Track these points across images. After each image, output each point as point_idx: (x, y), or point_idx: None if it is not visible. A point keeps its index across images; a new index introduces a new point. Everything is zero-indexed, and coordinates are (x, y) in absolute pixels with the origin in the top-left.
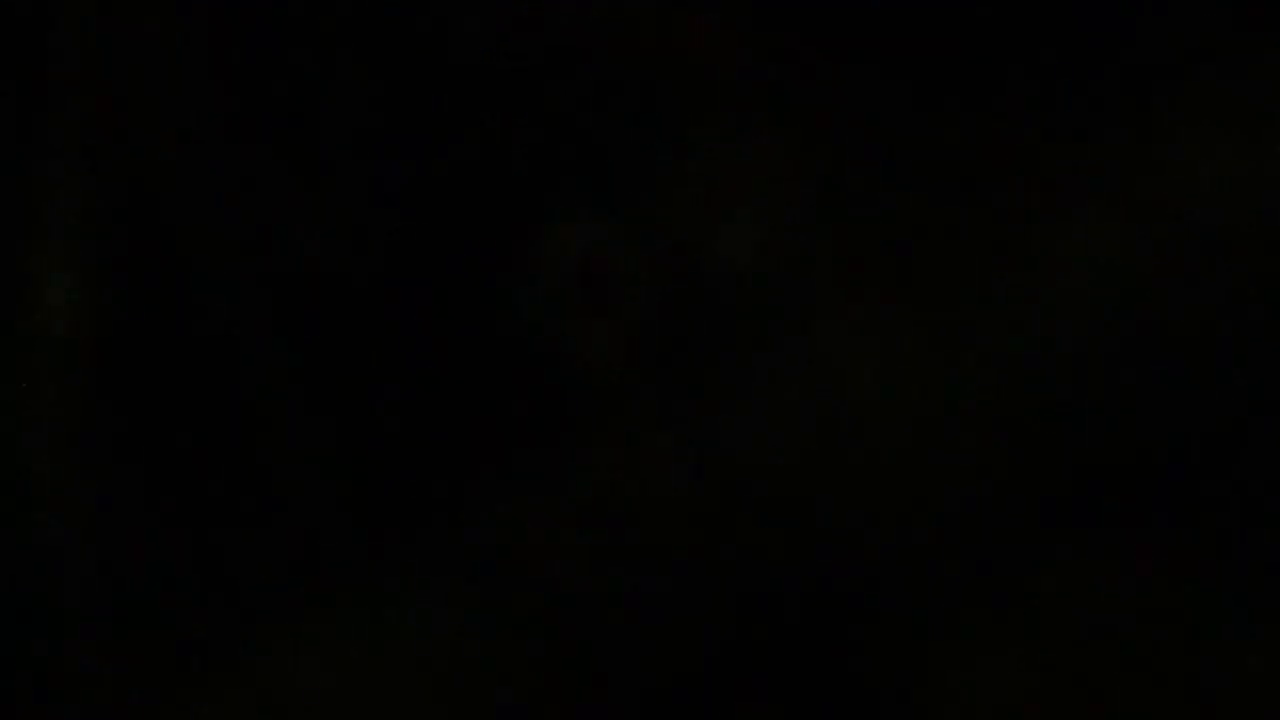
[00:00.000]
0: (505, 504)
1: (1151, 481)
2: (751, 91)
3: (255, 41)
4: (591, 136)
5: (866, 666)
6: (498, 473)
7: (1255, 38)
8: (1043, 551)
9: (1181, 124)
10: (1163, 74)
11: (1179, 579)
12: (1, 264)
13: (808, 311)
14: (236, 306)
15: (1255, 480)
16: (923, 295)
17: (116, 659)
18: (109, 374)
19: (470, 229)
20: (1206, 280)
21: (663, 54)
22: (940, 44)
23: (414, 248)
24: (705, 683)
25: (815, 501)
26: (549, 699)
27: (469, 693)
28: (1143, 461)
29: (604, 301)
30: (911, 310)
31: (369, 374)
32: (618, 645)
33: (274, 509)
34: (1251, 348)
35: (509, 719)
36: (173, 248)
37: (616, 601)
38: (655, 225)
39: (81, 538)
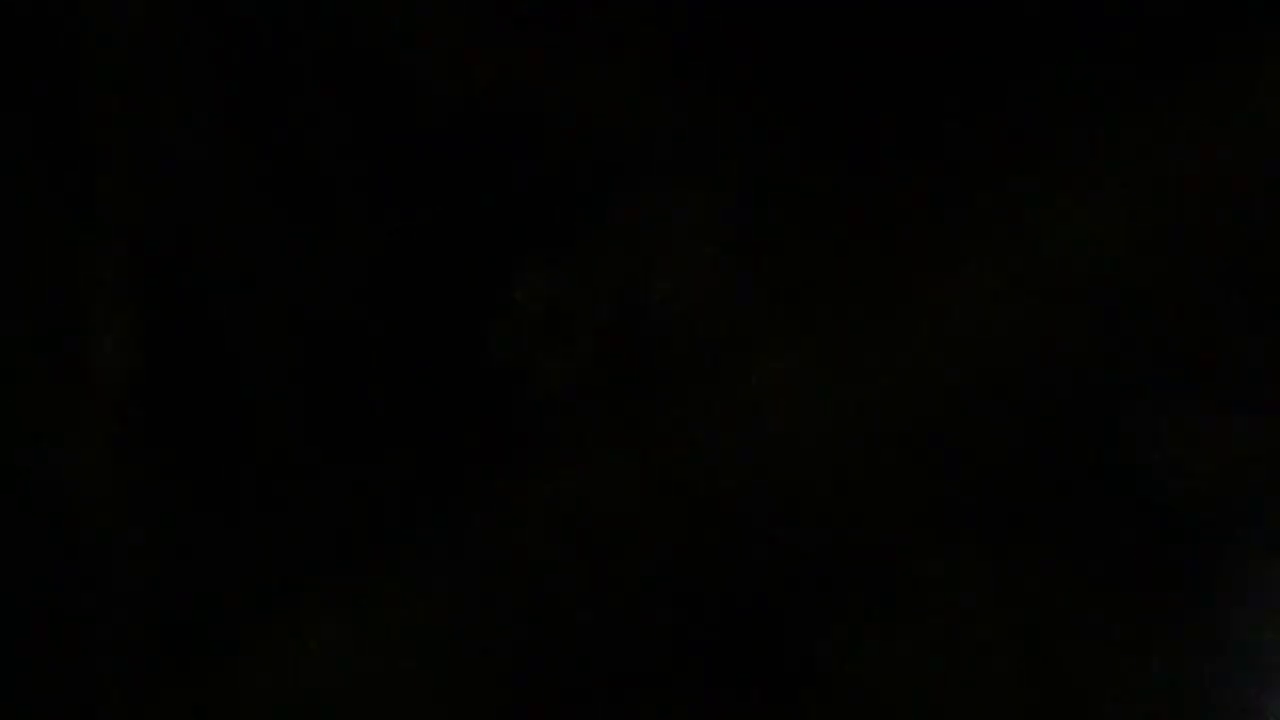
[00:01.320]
0: (479, 504)
1: (1019, 488)
2: (683, 163)
3: (270, 135)
4: (551, 202)
5: (788, 639)
6: (473, 479)
7: (1124, 104)
8: (932, 543)
9: (1055, 182)
10: (1039, 138)
11: (1043, 569)
12: (63, 321)
13: (734, 345)
14: (257, 349)
15: (1107, 487)
16: (829, 331)
17: (156, 631)
18: (151, 408)
19: (453, 280)
20: (1064, 321)
21: (609, 133)
22: (847, 117)
23: (407, 296)
24: (655, 655)
25: (741, 503)
26: (523, 670)
27: (458, 662)
28: (1013, 471)
29: (562, 337)
30: (820, 343)
31: (369, 400)
32: (579, 624)
33: (288, 512)
34: (1104, 378)
35: (489, 685)
36: (201, 303)
37: (574, 583)
38: (604, 274)
39: (128, 534)
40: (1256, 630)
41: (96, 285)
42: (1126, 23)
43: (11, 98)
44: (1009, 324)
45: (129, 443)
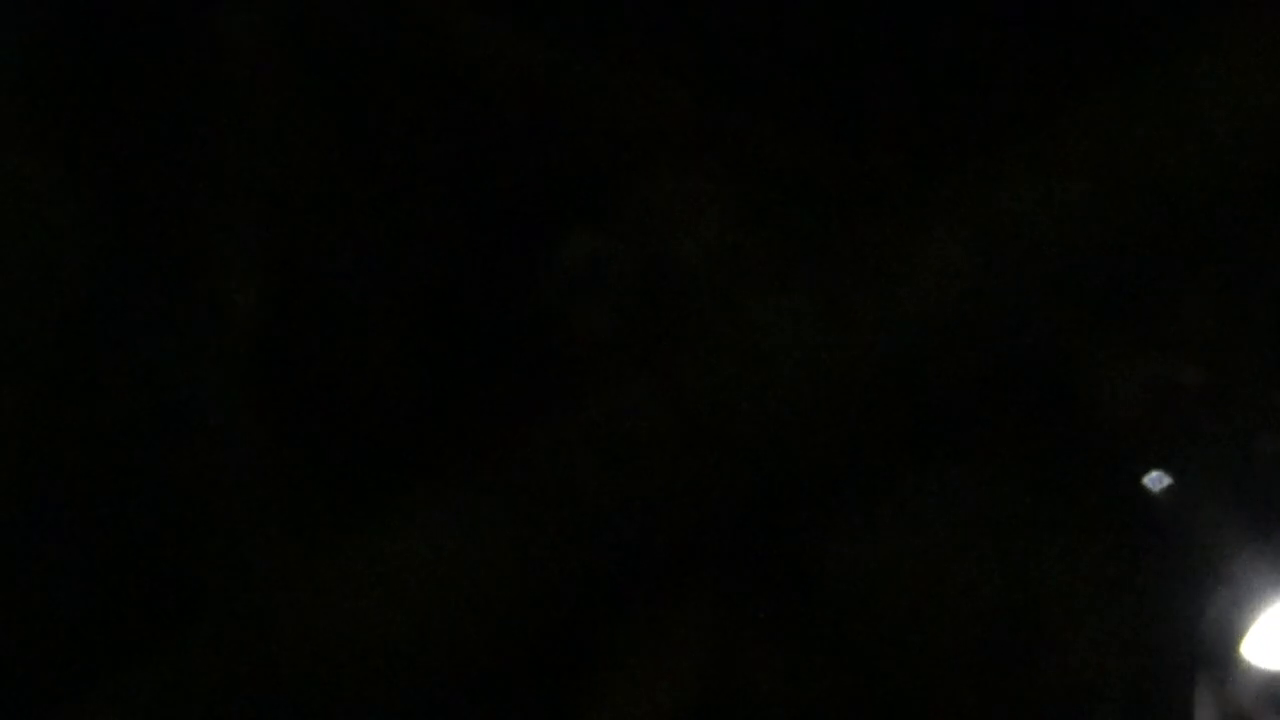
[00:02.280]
0: (531, 424)
1: (984, 415)
2: (699, 146)
3: (368, 130)
4: (591, 179)
5: (789, 542)
6: (526, 404)
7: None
8: (904, 464)
9: (1012, 162)
10: (1000, 126)
11: (1007, 483)
12: (207, 289)
13: (741, 295)
14: (360, 297)
15: (1058, 414)
16: (821, 284)
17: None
18: (278, 360)
19: (513, 241)
20: (1021, 276)
21: (639, 123)
22: (838, 108)
23: (477, 255)
24: (676, 556)
25: (749, 426)
26: (563, 563)
27: (512, 550)
28: (979, 400)
29: (599, 288)
30: (813, 294)
31: (446, 339)
32: (611, 527)
33: (382, 427)
34: (1055, 323)
35: (537, 573)
36: (317, 261)
37: (607, 493)
38: (633, 236)
39: (257, 453)
40: (1184, 531)
41: (238, 247)
42: (1077, 24)
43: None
44: (974, 278)
45: (260, 372)
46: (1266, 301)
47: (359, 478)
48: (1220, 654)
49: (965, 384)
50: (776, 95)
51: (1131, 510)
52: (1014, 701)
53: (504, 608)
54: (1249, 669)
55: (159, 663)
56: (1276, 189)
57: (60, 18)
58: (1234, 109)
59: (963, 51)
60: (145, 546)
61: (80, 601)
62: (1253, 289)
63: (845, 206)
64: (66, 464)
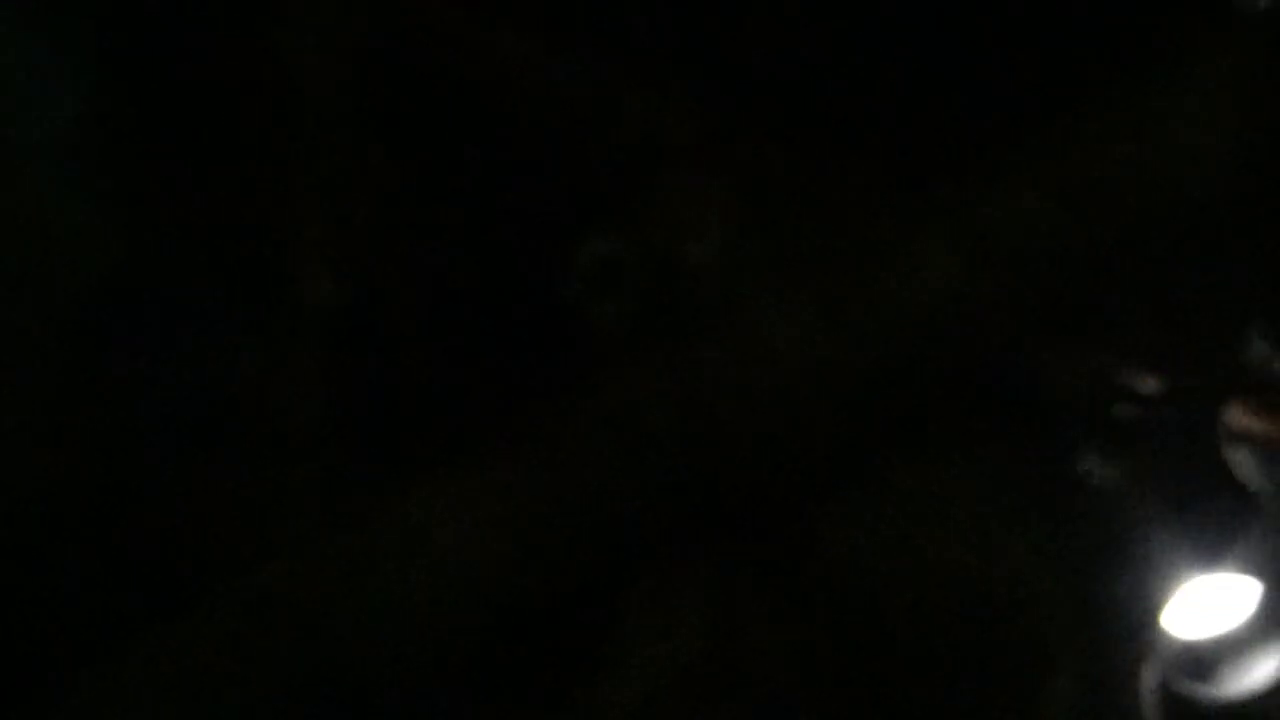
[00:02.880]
0: (551, 411)
1: (960, 404)
2: (708, 157)
3: (414, 142)
4: (608, 186)
5: (791, 518)
6: (547, 392)
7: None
8: (891, 451)
9: (992, 177)
10: (980, 143)
11: (979, 461)
12: (287, 276)
13: (745, 293)
14: (405, 302)
15: (1019, 402)
16: (820, 284)
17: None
18: (353, 338)
19: (537, 243)
20: (993, 281)
21: (654, 136)
22: (837, 124)
23: (505, 256)
24: (686, 531)
25: (753, 412)
26: (578, 537)
27: (532, 522)
28: (956, 390)
29: (615, 287)
30: (812, 293)
31: (480, 330)
32: (624, 504)
33: (413, 411)
34: (1019, 324)
35: (554, 543)
36: (388, 265)
37: (620, 473)
38: (647, 239)
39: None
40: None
41: (313, 243)
42: (1054, 55)
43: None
44: (959, 283)
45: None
46: (1216, 315)
47: (399, 452)
48: (1141, 625)
49: (947, 381)
50: (781, 114)
51: (1086, 498)
52: (982, 665)
53: (526, 573)
54: (1168, 639)
55: (202, 623)
56: (1235, 207)
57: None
58: (1197, 133)
59: (954, 79)
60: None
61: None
62: (1205, 302)
63: (843, 216)
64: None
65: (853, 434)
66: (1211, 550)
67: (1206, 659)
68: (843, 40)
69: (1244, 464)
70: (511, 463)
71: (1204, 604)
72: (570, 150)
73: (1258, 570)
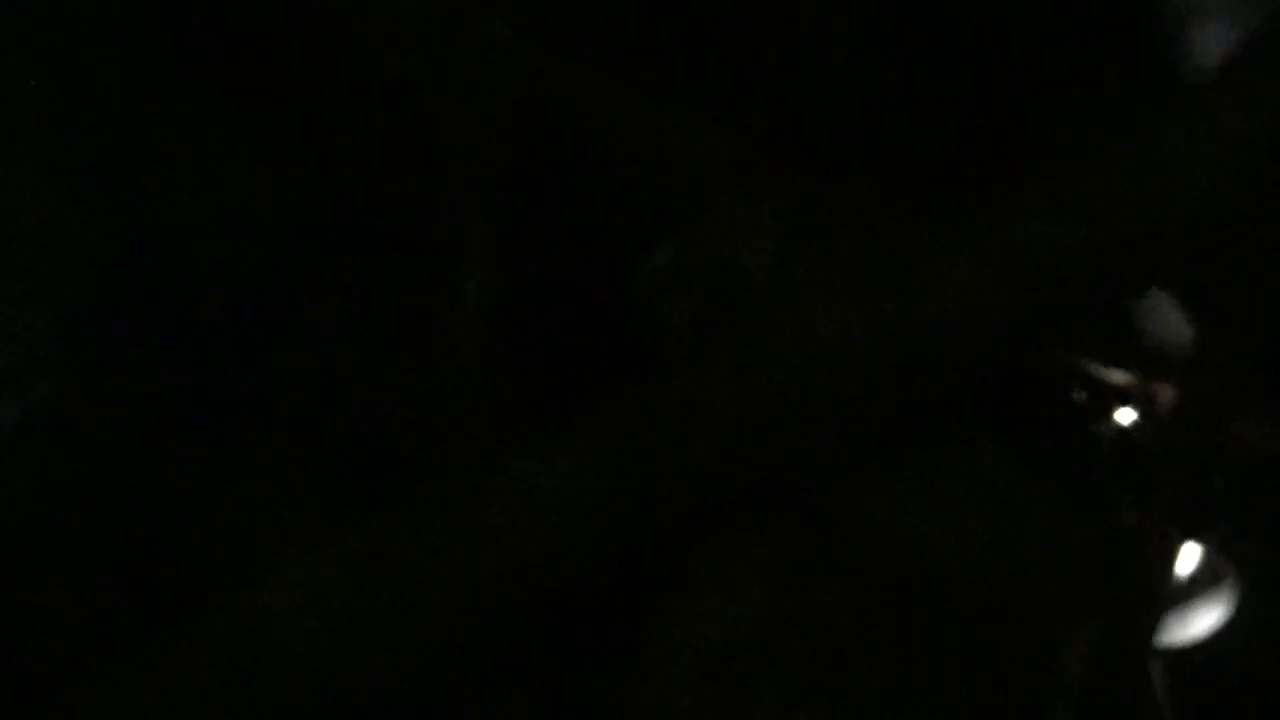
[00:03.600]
0: (621, 399)
1: (974, 398)
2: (756, 178)
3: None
4: (672, 201)
5: (825, 490)
6: (618, 382)
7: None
8: (920, 439)
9: (1009, 200)
10: (998, 168)
11: (995, 448)
12: (443, 278)
13: (790, 296)
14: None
15: (1021, 400)
16: (853, 291)
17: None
18: (499, 330)
19: (613, 251)
20: (1016, 302)
21: (712, 160)
22: (866, 150)
23: (587, 263)
24: (735, 497)
25: (794, 401)
26: (639, 507)
27: (598, 494)
28: (974, 398)
29: (680, 288)
30: (849, 301)
31: (567, 328)
32: (687, 479)
33: (513, 394)
34: (1030, 334)
35: (619, 512)
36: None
37: (683, 452)
38: (706, 247)
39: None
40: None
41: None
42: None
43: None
44: (982, 294)
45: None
46: (1223, 331)
47: (503, 426)
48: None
49: (970, 379)
50: (827, 144)
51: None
52: (998, 638)
53: (603, 535)
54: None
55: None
56: (1238, 230)
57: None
58: (1203, 163)
59: (982, 112)
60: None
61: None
62: (1213, 319)
63: (879, 228)
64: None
65: (886, 423)
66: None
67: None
68: (879, 80)
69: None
70: (595, 440)
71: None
72: (642, 174)
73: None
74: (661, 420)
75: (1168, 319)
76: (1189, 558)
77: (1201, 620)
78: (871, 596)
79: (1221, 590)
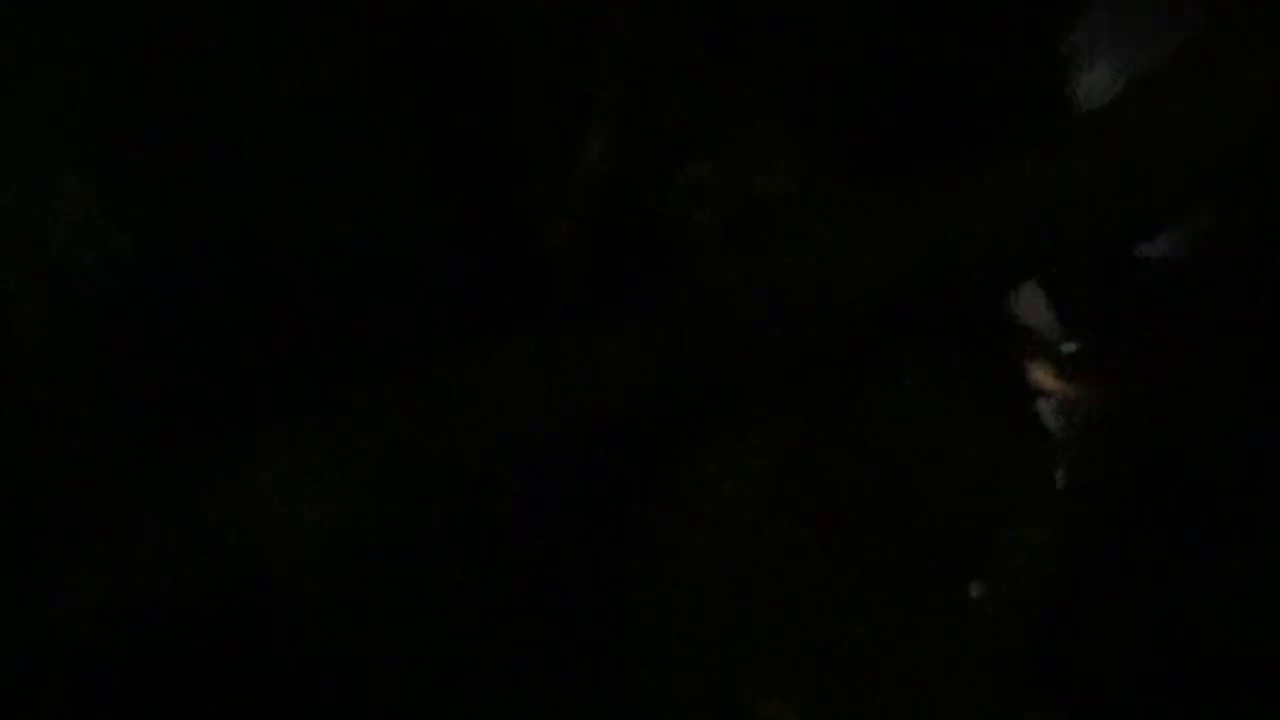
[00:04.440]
0: (654, 289)
1: (951, 333)
2: (773, 125)
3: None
4: (701, 134)
5: (831, 387)
6: (651, 278)
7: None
8: (904, 350)
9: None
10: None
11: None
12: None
13: (803, 219)
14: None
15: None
16: (864, 214)
17: None
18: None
19: (651, 174)
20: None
21: (735, 100)
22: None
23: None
24: (759, 385)
25: (810, 301)
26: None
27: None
28: (949, 325)
29: (705, 205)
30: (858, 220)
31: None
32: (710, 360)
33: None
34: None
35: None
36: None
37: (711, 337)
38: (729, 171)
39: None
40: None
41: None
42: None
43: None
44: (976, 226)
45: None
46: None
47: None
48: None
49: (965, 303)
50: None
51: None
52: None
53: (635, 403)
54: None
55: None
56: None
57: None
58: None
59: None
60: None
61: None
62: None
63: (886, 167)
64: None
65: (884, 326)
66: None
67: None
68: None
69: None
70: (632, 323)
71: None
72: (673, 112)
73: None
74: (692, 313)
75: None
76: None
77: None
78: (864, 472)
79: None
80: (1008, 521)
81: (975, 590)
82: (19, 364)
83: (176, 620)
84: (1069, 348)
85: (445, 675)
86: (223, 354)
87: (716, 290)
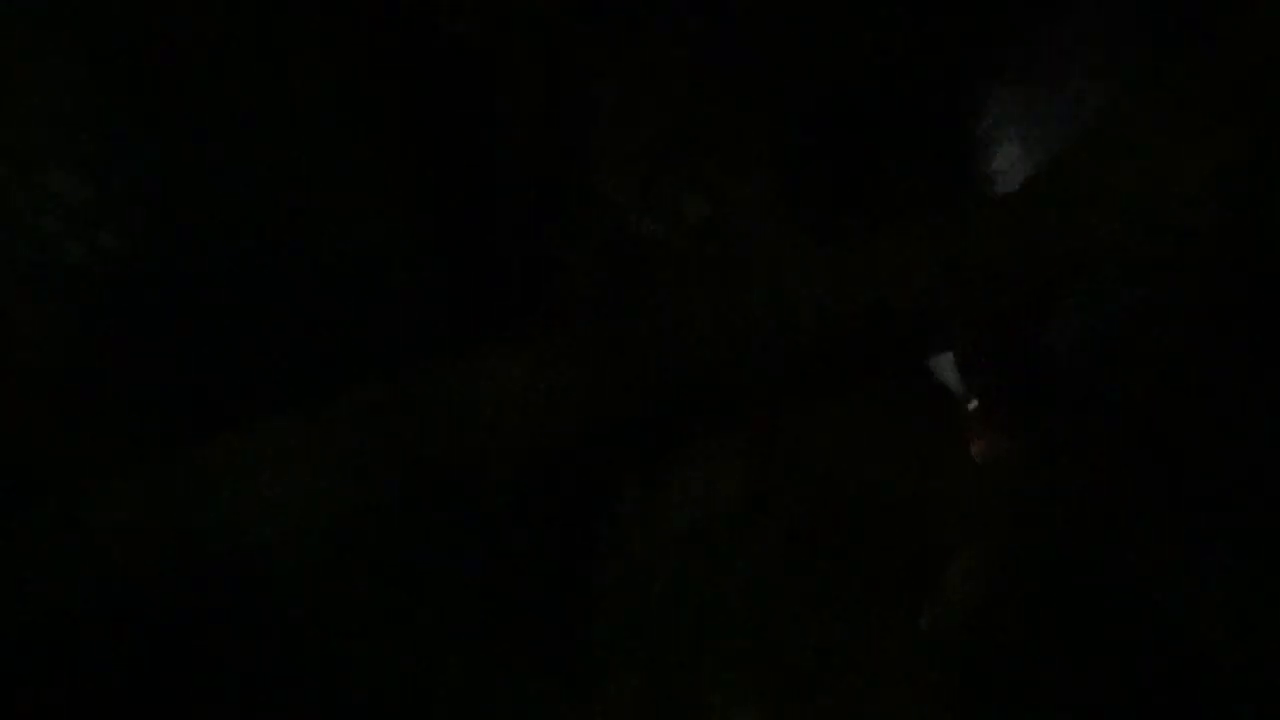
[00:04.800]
0: (642, 303)
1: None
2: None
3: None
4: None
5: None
6: (639, 291)
7: None
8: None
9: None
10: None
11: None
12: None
13: (766, 247)
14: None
15: None
16: (822, 249)
17: None
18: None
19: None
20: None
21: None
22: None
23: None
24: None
25: (773, 310)
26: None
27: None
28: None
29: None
30: (815, 255)
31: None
32: (673, 376)
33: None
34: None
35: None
36: None
37: (684, 338)
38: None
39: None
40: None
41: None
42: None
43: None
44: (917, 284)
45: None
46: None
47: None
48: None
49: (908, 350)
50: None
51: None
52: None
53: (603, 411)
54: None
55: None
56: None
57: None
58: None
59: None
60: None
61: None
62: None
63: (846, 207)
64: None
65: (829, 356)
66: None
67: None
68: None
69: None
70: (609, 328)
71: None
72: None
73: None
74: (665, 320)
75: None
76: None
77: None
78: (822, 497)
79: None
80: (945, 545)
81: (921, 606)
82: (12, 361)
83: (166, 614)
84: (973, 404)
85: (418, 675)
86: (213, 350)
87: (690, 300)
